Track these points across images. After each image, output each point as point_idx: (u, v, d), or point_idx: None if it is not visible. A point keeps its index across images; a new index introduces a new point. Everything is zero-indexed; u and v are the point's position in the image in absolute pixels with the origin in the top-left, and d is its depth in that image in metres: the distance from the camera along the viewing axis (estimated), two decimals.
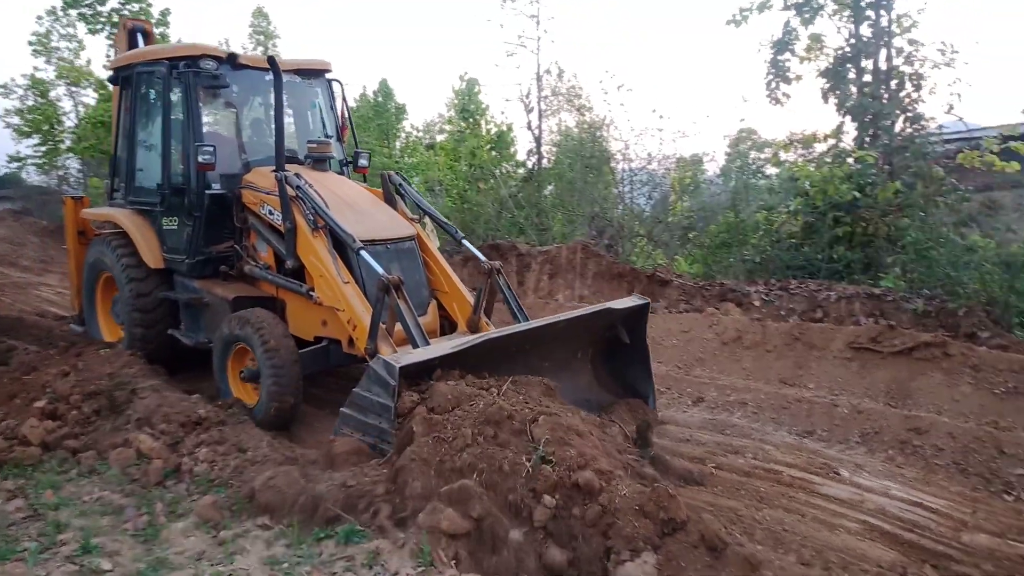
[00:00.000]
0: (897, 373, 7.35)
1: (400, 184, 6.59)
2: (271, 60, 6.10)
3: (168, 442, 4.69)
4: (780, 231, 12.75)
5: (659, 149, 14.73)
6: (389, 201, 6.53)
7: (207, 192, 6.28)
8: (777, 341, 8.22)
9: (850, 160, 12.37)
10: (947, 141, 12.81)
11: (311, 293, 5.65)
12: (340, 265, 5.47)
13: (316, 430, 5.68)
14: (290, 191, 5.71)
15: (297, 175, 5.84)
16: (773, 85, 13.73)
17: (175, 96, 6.45)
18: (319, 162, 6.57)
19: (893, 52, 12.52)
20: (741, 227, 13.35)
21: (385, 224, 6.04)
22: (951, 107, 12.15)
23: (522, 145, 15.74)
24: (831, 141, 13.23)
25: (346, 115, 7.38)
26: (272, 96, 6.77)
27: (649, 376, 5.68)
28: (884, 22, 12.46)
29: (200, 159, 5.98)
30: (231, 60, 6.45)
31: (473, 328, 5.65)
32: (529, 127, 16.00)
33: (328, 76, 7.40)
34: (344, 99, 7.39)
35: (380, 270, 5.09)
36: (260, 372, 5.42)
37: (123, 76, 7.08)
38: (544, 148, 16.31)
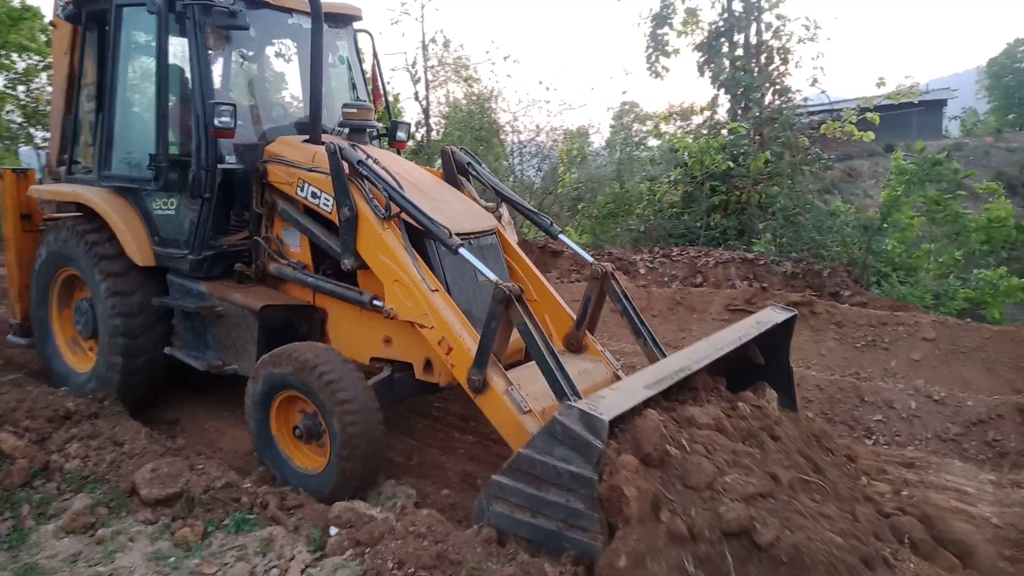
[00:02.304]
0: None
1: (469, 164, 5.09)
2: None
3: (34, 439, 4.30)
4: (662, 201, 13.20)
5: (547, 121, 14.81)
6: (452, 184, 5.09)
7: (219, 167, 4.58)
8: (661, 306, 8.52)
9: (724, 132, 12.94)
10: (811, 113, 13.65)
11: (376, 303, 4.15)
12: (423, 267, 4.01)
13: (199, 417, 5.38)
14: (346, 167, 4.19)
15: (353, 146, 4.34)
16: (653, 59, 14.10)
17: (176, 39, 4.77)
18: (357, 132, 4.83)
19: (763, 27, 13.10)
20: (626, 197, 13.70)
21: (464, 213, 4.56)
22: (815, 80, 12.97)
23: (410, 116, 15.45)
24: (707, 113, 13.78)
25: (379, 75, 5.73)
26: (295, 45, 5.53)
27: (794, 403, 4.44)
28: None
29: (218, 122, 4.34)
30: None
31: (574, 346, 4.41)
32: (416, 98, 15.67)
33: (357, 25, 5.75)
34: (376, 55, 5.69)
35: (492, 275, 3.73)
36: (328, 431, 3.87)
37: (90, 12, 5.24)
38: (432, 120, 16.04)
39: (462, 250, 3.87)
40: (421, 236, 4.13)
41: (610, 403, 2.89)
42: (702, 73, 13.56)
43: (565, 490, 2.81)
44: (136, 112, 5.17)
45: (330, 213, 4.31)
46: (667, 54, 13.91)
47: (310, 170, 4.42)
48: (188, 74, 4.71)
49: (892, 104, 13.01)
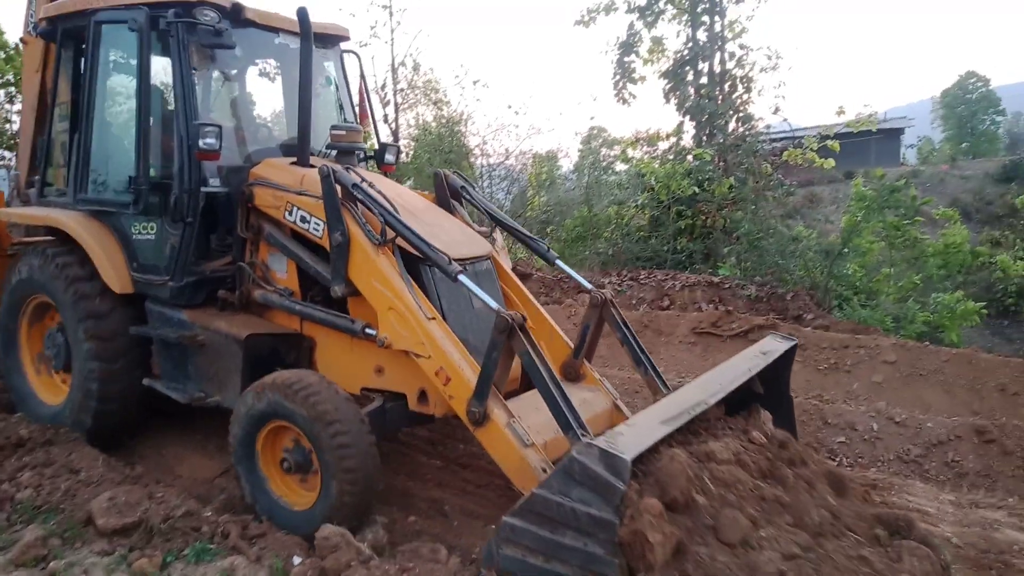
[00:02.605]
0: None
1: (463, 187, 4.98)
2: (303, 14, 4.33)
3: None
4: (630, 225, 13.35)
5: (516, 145, 14.93)
6: (445, 208, 4.95)
7: (202, 190, 4.42)
8: None
9: (690, 157, 13.17)
10: (774, 140, 13.96)
11: (368, 331, 3.98)
12: (418, 294, 3.87)
13: (158, 443, 5.23)
14: (339, 191, 4.03)
15: (348, 169, 4.23)
16: (620, 85, 14.33)
17: (159, 58, 4.62)
18: (345, 155, 4.69)
19: (726, 56, 13.41)
20: (594, 221, 13.84)
21: (459, 238, 4.42)
22: (777, 108, 13.29)
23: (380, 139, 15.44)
24: (672, 139, 14.01)
25: (366, 96, 5.59)
26: (280, 65, 5.38)
27: (794, 431, 4.26)
28: (718, 27, 13.32)
29: (202, 144, 4.21)
30: (234, 13, 4.61)
31: (572, 375, 4.32)
32: (386, 120, 15.69)
33: (344, 46, 5.60)
34: (363, 77, 5.59)
35: (494, 303, 3.62)
36: (320, 461, 3.69)
37: (66, 29, 5.03)
38: (402, 143, 16.09)
39: (462, 277, 3.73)
40: (416, 262, 4.00)
41: (630, 441, 2.71)
42: (668, 100, 13.83)
43: (583, 534, 2.63)
44: (114, 133, 5.03)
45: (320, 238, 4.14)
46: (634, 81, 14.18)
47: (299, 193, 4.27)
48: (170, 94, 4.59)
49: (851, 132, 13.38)
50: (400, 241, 3.93)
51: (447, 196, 4.94)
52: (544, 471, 3.24)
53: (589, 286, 4.47)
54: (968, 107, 48.14)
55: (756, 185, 12.89)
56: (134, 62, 4.56)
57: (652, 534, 2.50)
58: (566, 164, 17.62)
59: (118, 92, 5.06)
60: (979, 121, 48.10)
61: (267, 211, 4.42)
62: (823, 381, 7.26)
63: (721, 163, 13.33)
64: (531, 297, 4.66)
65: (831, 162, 12.80)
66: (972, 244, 20.30)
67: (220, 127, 4.30)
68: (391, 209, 3.98)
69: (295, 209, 4.27)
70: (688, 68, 13.61)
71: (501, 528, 2.80)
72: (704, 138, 13.64)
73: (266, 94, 5.77)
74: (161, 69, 4.65)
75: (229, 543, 3.51)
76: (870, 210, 11.59)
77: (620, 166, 15.82)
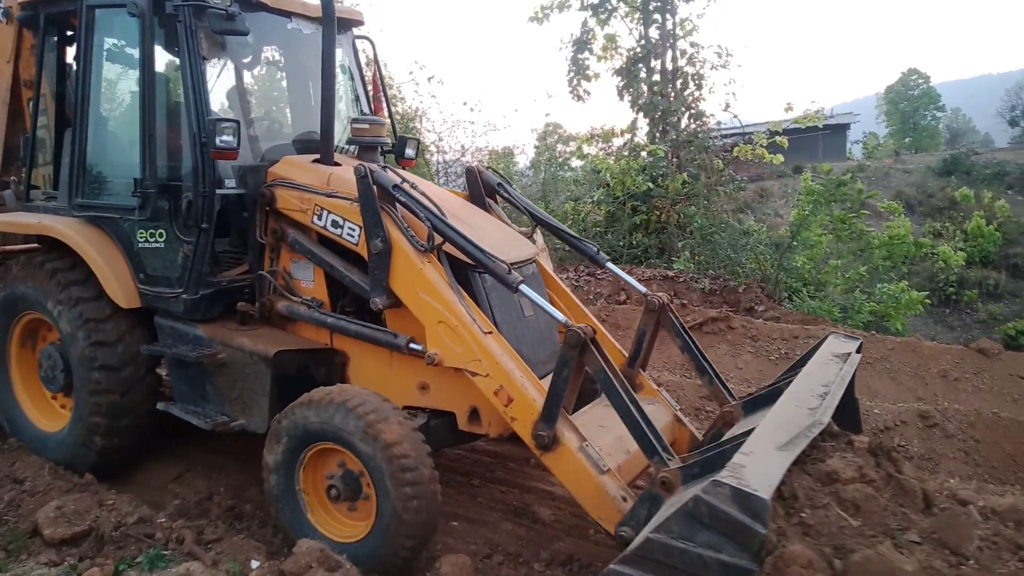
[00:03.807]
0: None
1: (500, 185, 4.66)
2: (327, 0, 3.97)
3: None
4: (586, 220, 13.46)
5: (472, 141, 14.91)
6: (480, 207, 4.63)
7: (218, 192, 4.05)
8: None
9: (644, 154, 13.33)
10: (725, 136, 14.22)
11: (413, 346, 3.69)
12: (471, 305, 3.55)
13: None
14: (377, 192, 3.70)
15: (385, 168, 3.97)
16: (575, 82, 14.41)
17: (163, 46, 4.24)
18: (367, 150, 4.38)
19: (678, 54, 13.58)
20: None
21: (503, 241, 4.07)
22: (727, 105, 13.59)
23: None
24: (627, 136, 14.15)
25: (381, 85, 5.20)
26: (292, 53, 4.99)
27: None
28: (670, 25, 13.50)
29: (219, 142, 3.83)
30: None
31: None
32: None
33: (357, 32, 5.18)
34: (377, 64, 5.22)
35: (561, 316, 3.39)
36: (377, 486, 3.33)
37: (50, 15, 4.58)
38: None
39: (524, 287, 3.43)
40: (464, 269, 3.71)
41: (759, 475, 2.41)
42: (622, 97, 14.00)
43: None
44: (113, 131, 4.66)
45: (356, 245, 3.83)
46: (588, 78, 14.29)
47: (329, 195, 3.93)
48: (177, 86, 4.22)
49: (799, 128, 13.73)
50: (449, 247, 3.65)
51: (482, 194, 4.64)
52: (624, 499, 3.07)
53: (644, 290, 4.24)
54: (910, 103, 49.79)
55: (708, 181, 13.14)
56: (134, 51, 4.19)
57: None
58: (523, 161, 17.63)
59: (116, 85, 4.69)
60: (921, 117, 49.82)
61: (291, 215, 4.10)
62: (774, 371, 7.44)
63: (674, 159, 13.54)
64: (578, 301, 4.46)
65: (780, 158, 13.12)
66: (915, 236, 20.99)
67: (238, 123, 3.97)
68: (438, 212, 3.69)
69: (325, 213, 3.94)
70: (641, 65, 13.79)
71: None
72: (658, 135, 13.84)
73: (275, 85, 5.40)
74: (166, 58, 4.32)
75: (184, 549, 3.45)
76: (818, 204, 11.91)
77: (576, 162, 15.96)
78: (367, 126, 4.41)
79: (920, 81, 50.55)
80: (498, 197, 4.69)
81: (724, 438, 3.47)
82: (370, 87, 5.24)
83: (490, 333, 3.46)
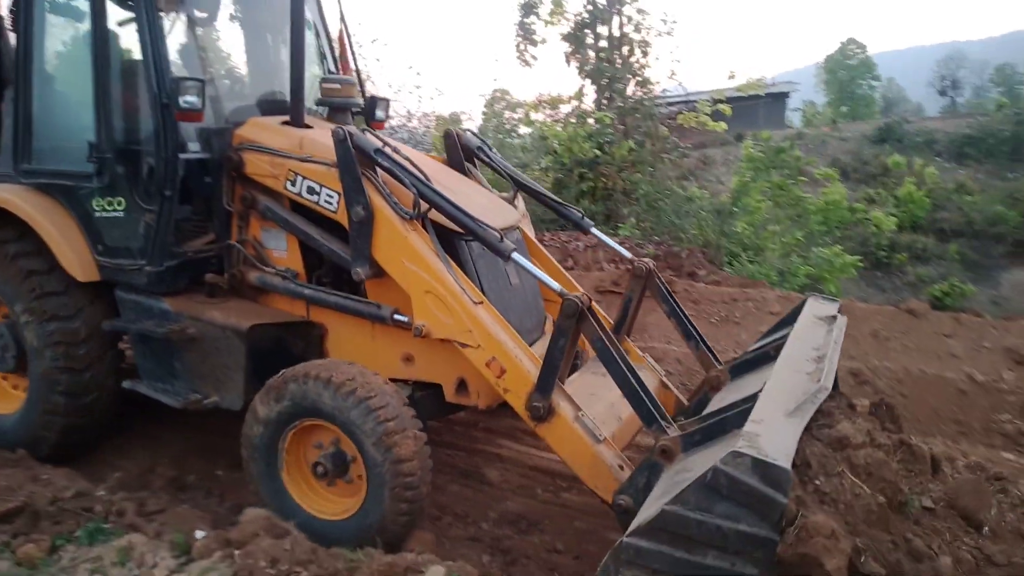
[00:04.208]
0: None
1: (479, 148, 4.48)
2: None
3: None
4: None
5: (418, 107, 14.67)
6: (459, 172, 4.43)
7: (181, 156, 3.80)
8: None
9: (591, 120, 13.34)
10: (670, 104, 14.32)
11: (398, 317, 3.58)
12: (459, 274, 3.42)
13: None
14: (357, 156, 3.49)
15: (364, 131, 3.73)
16: (522, 47, 14.26)
17: (115, 3, 3.93)
18: (338, 111, 4.17)
19: (624, 20, 13.55)
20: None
21: (487, 207, 3.91)
22: (672, 72, 13.59)
23: None
24: (574, 103, 14.12)
25: (348, 43, 4.95)
26: (251, 6, 4.72)
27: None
28: None
29: (183, 102, 3.60)
30: None
31: None
32: None
33: None
34: (344, 22, 4.87)
35: (555, 285, 3.28)
36: (366, 464, 3.26)
37: None
38: None
39: (516, 255, 3.33)
40: (450, 237, 3.58)
41: (776, 444, 2.38)
42: (569, 63, 13.96)
43: (731, 553, 2.32)
44: (61, 90, 4.34)
45: (335, 212, 3.66)
46: (535, 43, 14.16)
47: (304, 160, 3.73)
48: (132, 42, 3.90)
49: (742, 96, 13.94)
50: (435, 215, 3.50)
51: (461, 158, 4.46)
52: (621, 468, 3.05)
53: (627, 254, 4.21)
54: (848, 72, 50.82)
55: (654, 148, 13.28)
56: (81, 3, 3.92)
57: (828, 560, 2.25)
58: (470, 127, 17.45)
59: (62, 40, 4.38)
60: (857, 86, 50.99)
61: (262, 180, 3.87)
62: (716, 332, 7.65)
63: (621, 126, 13.59)
64: (561, 268, 4.35)
65: (723, 125, 13.34)
66: (849, 202, 21.66)
67: (203, 82, 3.73)
68: (423, 177, 3.50)
69: (299, 178, 3.74)
70: (588, 31, 13.72)
71: (621, 550, 2.44)
72: (605, 102, 13.86)
73: (230, 40, 5.04)
74: (117, 11, 3.97)
75: (125, 521, 3.38)
76: (758, 171, 12.18)
77: (524, 129, 15.86)
78: (338, 86, 4.16)
79: (857, 51, 51.74)
80: (476, 161, 4.53)
81: (719, 403, 3.44)
82: (336, 45, 5.01)
83: (480, 303, 3.36)
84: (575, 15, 13.98)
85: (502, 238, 3.34)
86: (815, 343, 3.47)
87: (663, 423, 2.93)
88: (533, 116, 14.75)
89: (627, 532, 2.43)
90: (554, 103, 14.41)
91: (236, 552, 2.91)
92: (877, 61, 52.61)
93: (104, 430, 4.38)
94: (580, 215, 4.32)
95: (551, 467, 4.44)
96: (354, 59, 4.99)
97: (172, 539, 3.13)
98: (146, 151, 3.82)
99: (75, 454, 4.23)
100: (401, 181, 3.48)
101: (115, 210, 3.97)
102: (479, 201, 3.92)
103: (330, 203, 3.67)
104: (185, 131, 3.83)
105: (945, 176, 27.47)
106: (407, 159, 3.57)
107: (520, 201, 4.55)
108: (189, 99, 3.62)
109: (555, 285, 3.27)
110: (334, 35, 5.01)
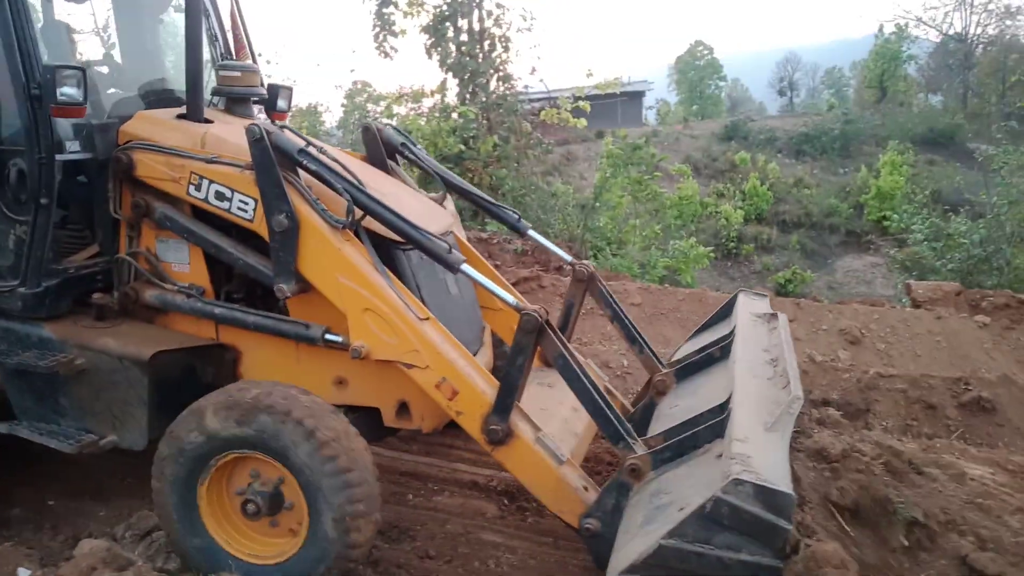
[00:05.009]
0: None
1: (403, 145, 4.13)
2: None
3: None
4: None
5: None
6: (381, 170, 4.07)
7: (58, 158, 3.29)
8: None
9: (455, 115, 13.30)
10: (532, 100, 14.54)
11: (330, 337, 3.23)
12: (400, 289, 3.11)
13: None
14: (277, 158, 3.12)
15: (283, 127, 3.36)
16: (381, 38, 13.97)
17: None
18: (238, 103, 3.80)
19: (484, 14, 13.61)
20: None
21: (421, 212, 3.61)
22: (533, 69, 13.84)
23: None
24: (437, 96, 14.02)
25: (241, 23, 4.47)
26: None
27: None
28: None
29: (61, 94, 3.11)
30: None
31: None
32: None
33: None
34: (237, 3, 4.45)
35: (511, 298, 3.08)
36: (308, 497, 2.90)
37: None
38: None
39: (465, 267, 3.08)
40: (387, 247, 3.27)
41: (769, 466, 2.29)
42: (430, 56, 13.82)
43: None
44: None
45: (251, 221, 3.24)
46: (395, 34, 13.92)
47: (210, 161, 3.29)
48: None
49: (600, 94, 14.36)
50: (371, 222, 3.20)
51: (382, 155, 4.12)
52: (586, 489, 2.90)
53: (570, 259, 4.05)
54: (697, 73, 53.93)
55: (518, 144, 13.45)
56: None
57: None
58: (329, 120, 16.95)
59: None
60: (706, 86, 54.19)
61: (157, 184, 3.41)
62: (581, 325, 7.84)
63: (485, 121, 13.64)
64: (497, 273, 4.12)
65: (583, 122, 13.71)
66: (701, 196, 23.05)
67: (83, 70, 3.22)
68: (356, 181, 3.17)
69: (205, 182, 3.28)
70: (448, 24, 13.65)
71: None
72: (468, 96, 13.86)
73: (94, 20, 4.49)
74: None
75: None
76: (617, 167, 12.65)
77: (386, 122, 15.55)
78: (238, 74, 3.78)
79: (705, 53, 55.04)
80: (398, 159, 4.22)
81: (669, 409, 3.43)
82: (228, 26, 4.55)
83: (427, 319, 3.07)
84: (434, 7, 13.89)
85: (450, 248, 3.09)
86: (762, 344, 3.41)
87: (630, 441, 2.83)
88: (396, 109, 14.53)
89: (621, 570, 2.32)
90: (417, 96, 14.26)
91: None
92: (723, 63, 56.21)
93: None
94: (517, 217, 4.10)
95: (423, 471, 4.43)
96: (248, 41, 4.49)
97: None
98: (12, 152, 3.31)
99: None
100: (331, 185, 3.13)
101: None
102: (411, 204, 3.62)
103: (244, 211, 3.24)
104: (61, 128, 3.31)
105: (785, 171, 29.88)
106: (335, 160, 3.24)
107: (450, 202, 4.29)
108: (68, 90, 3.13)
109: (510, 298, 3.09)
110: (224, 14, 4.52)
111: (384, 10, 13.97)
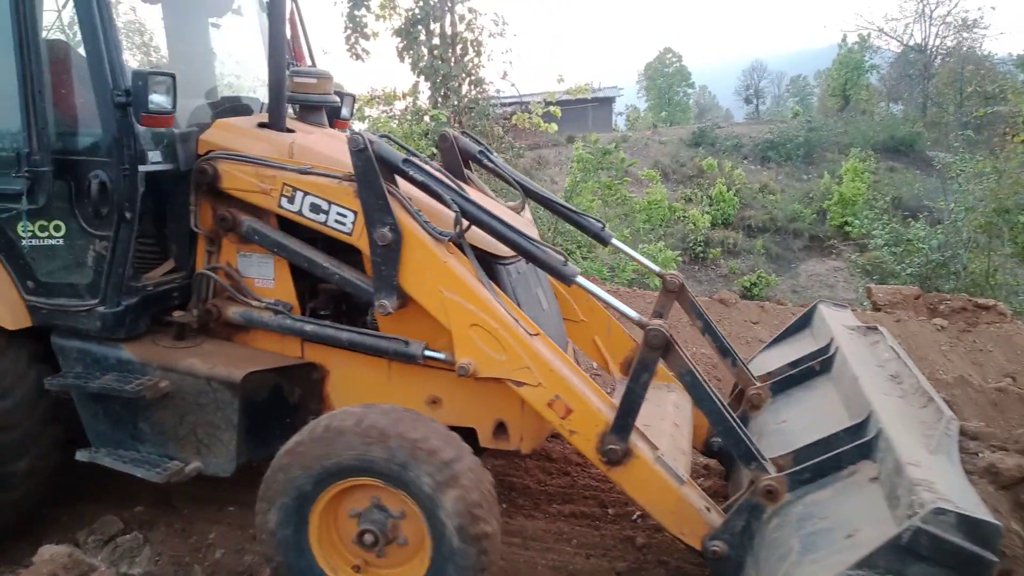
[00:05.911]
0: None
1: (482, 152, 3.90)
2: None
3: None
4: None
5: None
6: (458, 179, 3.77)
7: (141, 169, 3.08)
8: None
9: (427, 119, 13.30)
10: (504, 104, 14.59)
11: (430, 354, 3.08)
12: (508, 303, 2.97)
13: None
14: (381, 169, 2.98)
15: (385, 137, 3.15)
16: (352, 40, 13.92)
17: None
18: (311, 111, 3.62)
19: (456, 18, 13.65)
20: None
21: (513, 222, 3.49)
22: (505, 73, 13.86)
23: None
24: (409, 100, 14.01)
25: (301, 30, 4.32)
26: None
27: None
28: None
29: (151, 102, 2.91)
30: None
31: None
32: None
33: None
34: (296, 4, 4.25)
35: (633, 313, 2.96)
36: (433, 535, 2.74)
37: None
38: None
39: (581, 279, 2.99)
40: (488, 260, 3.16)
41: (960, 494, 2.19)
42: (402, 59, 13.81)
43: None
44: None
45: (350, 235, 3.10)
46: (367, 37, 13.87)
47: (303, 172, 3.14)
48: (70, 27, 3.27)
49: (571, 99, 14.45)
50: (476, 235, 3.08)
51: (459, 163, 3.93)
52: (708, 510, 2.79)
53: (655, 268, 3.93)
54: (666, 80, 54.54)
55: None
56: None
57: None
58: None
59: None
60: (674, 93, 54.80)
61: (245, 196, 3.23)
62: None
63: (457, 125, 13.67)
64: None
65: (554, 127, 13.82)
66: (670, 201, 23.33)
67: (173, 76, 3.02)
68: (460, 191, 3.04)
69: (300, 194, 3.12)
70: (420, 27, 13.65)
71: None
72: (440, 100, 13.86)
73: (145, 23, 4.42)
74: None
75: None
76: (587, 171, 12.76)
77: (358, 125, 15.49)
78: (314, 81, 3.61)
79: (674, 60, 55.70)
80: (473, 166, 4.06)
81: (770, 424, 3.35)
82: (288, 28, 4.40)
83: (537, 335, 2.94)
84: (407, 11, 13.89)
85: (566, 260, 3.01)
86: (874, 359, 3.31)
87: (764, 462, 2.72)
88: (367, 112, 14.48)
89: None
90: (388, 99, 14.23)
91: None
92: (691, 71, 56.92)
93: (42, 506, 3.58)
94: (601, 225, 3.84)
95: None
96: (308, 45, 4.34)
97: None
98: (93, 163, 3.10)
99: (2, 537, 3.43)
100: (439, 196, 3.01)
101: (52, 237, 3.23)
102: (504, 214, 3.48)
103: (342, 224, 3.09)
104: (144, 138, 3.12)
105: (751, 177, 30.35)
106: (438, 170, 3.16)
107: (528, 212, 4.11)
108: (157, 98, 2.93)
109: (633, 313, 2.97)
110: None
111: (356, 12, 13.93)
